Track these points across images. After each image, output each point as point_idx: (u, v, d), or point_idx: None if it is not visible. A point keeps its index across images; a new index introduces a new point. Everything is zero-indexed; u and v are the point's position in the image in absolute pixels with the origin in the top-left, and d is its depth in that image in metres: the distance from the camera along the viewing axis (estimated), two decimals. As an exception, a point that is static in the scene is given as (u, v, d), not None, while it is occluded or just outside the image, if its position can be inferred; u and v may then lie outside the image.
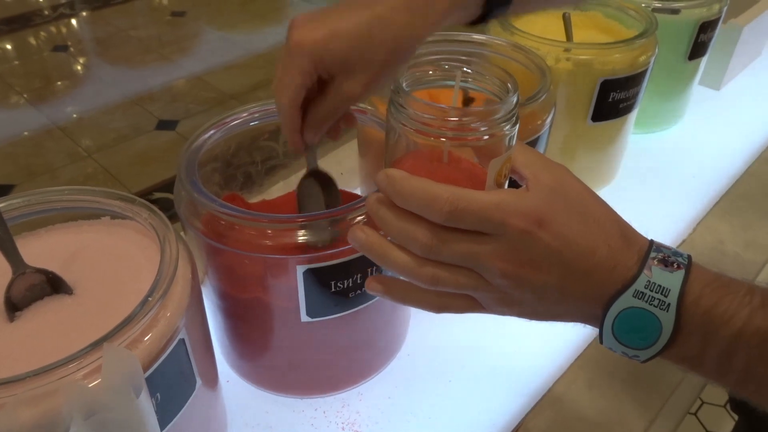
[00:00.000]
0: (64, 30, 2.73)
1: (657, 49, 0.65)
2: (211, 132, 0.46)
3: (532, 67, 0.58)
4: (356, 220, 0.41)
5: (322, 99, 0.40)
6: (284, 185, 0.59)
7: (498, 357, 0.54)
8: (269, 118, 0.49)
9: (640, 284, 0.32)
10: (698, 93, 0.88)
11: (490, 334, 0.55)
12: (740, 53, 0.90)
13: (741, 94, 0.91)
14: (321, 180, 0.46)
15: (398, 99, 0.32)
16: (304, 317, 0.43)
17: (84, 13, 2.86)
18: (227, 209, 0.40)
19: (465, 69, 0.34)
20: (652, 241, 0.34)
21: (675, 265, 0.32)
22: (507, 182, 0.35)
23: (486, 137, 0.32)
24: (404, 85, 0.33)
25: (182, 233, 0.44)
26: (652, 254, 0.33)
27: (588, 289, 0.33)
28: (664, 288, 0.32)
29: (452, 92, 0.34)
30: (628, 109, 0.66)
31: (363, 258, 0.42)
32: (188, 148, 0.44)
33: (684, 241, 0.68)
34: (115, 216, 0.42)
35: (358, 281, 0.43)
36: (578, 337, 0.56)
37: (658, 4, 0.74)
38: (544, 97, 0.54)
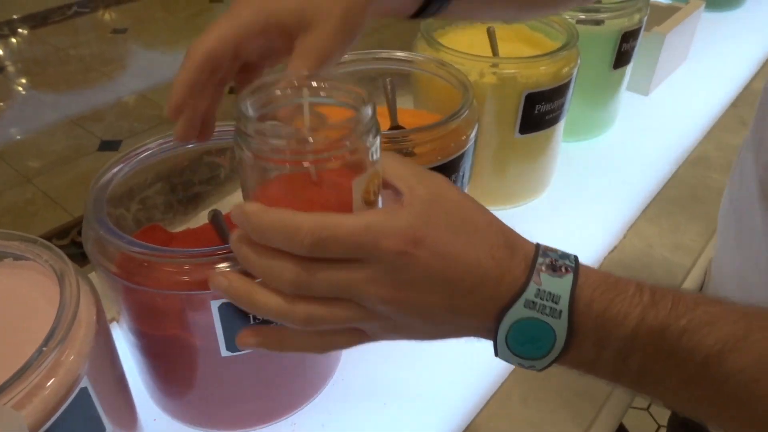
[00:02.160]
0: (0, 50, 2.64)
1: (579, 60, 0.66)
2: (120, 166, 0.44)
3: (455, 83, 0.58)
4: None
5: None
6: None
7: (433, 376, 0.53)
8: (182, 147, 0.48)
9: (530, 293, 0.31)
10: (628, 99, 0.91)
11: (425, 353, 0.55)
12: (665, 60, 0.92)
13: (669, 99, 0.94)
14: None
15: (244, 127, 0.29)
16: (224, 352, 0.42)
17: (22, 31, 2.77)
18: (135, 246, 0.38)
19: (313, 84, 0.32)
20: (538, 246, 0.33)
21: (563, 269, 0.31)
22: (380, 199, 0.33)
23: (347, 154, 0.30)
24: (249, 110, 0.30)
25: (94, 273, 0.43)
26: (539, 260, 0.32)
27: (477, 305, 0.32)
28: (554, 295, 0.31)
29: (339, 110, 0.32)
30: (554, 120, 0.67)
31: (282, 288, 0.41)
32: (95, 185, 0.42)
33: (615, 247, 0.69)
34: (18, 258, 0.40)
35: (278, 312, 0.42)
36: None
37: (582, 16, 0.76)
38: (466, 113, 0.54)
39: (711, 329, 0.30)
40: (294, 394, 0.49)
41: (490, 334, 0.32)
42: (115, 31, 2.76)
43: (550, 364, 0.33)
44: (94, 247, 0.40)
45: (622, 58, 0.78)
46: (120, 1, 2.99)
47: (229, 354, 0.42)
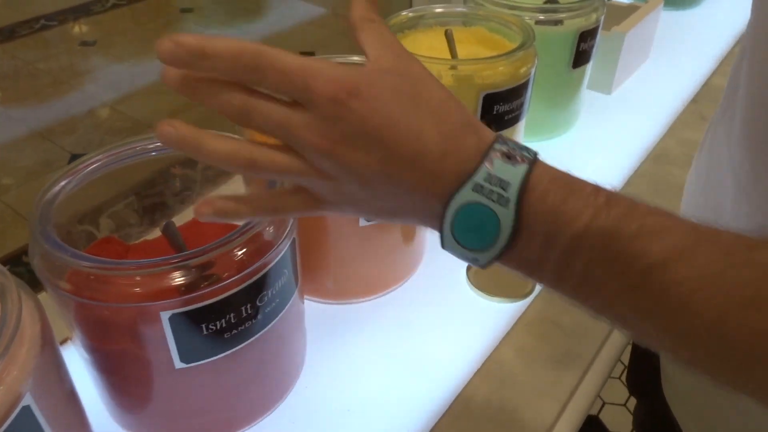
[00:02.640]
0: (-34, 66, 2.60)
1: (537, 60, 0.67)
2: (67, 180, 0.43)
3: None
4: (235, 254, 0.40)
5: None
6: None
7: (395, 382, 0.53)
8: (129, 159, 0.47)
9: (479, 177, 0.30)
10: (591, 98, 0.92)
11: (387, 359, 0.55)
12: (626, 58, 0.93)
13: (631, 97, 0.95)
14: None
15: None
16: (178, 364, 0.41)
17: (-13, 47, 2.73)
18: (81, 260, 0.38)
19: None
20: (499, 135, 0.32)
21: (519, 159, 0.30)
22: None
23: None
24: None
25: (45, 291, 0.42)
26: (496, 146, 0.31)
27: (418, 179, 0.31)
28: (503, 181, 0.30)
29: None
30: (514, 120, 0.68)
31: (236, 296, 0.41)
32: (40, 200, 0.42)
33: (579, 245, 0.69)
34: (-39, 275, 0.39)
35: (233, 320, 0.41)
36: (476, 354, 0.56)
37: (541, 17, 0.76)
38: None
39: (660, 237, 0.29)
40: (254, 405, 0.48)
41: (437, 219, 0.32)
42: (84, 44, 2.74)
43: (493, 259, 0.32)
44: (40, 262, 0.40)
45: (581, 58, 0.79)
46: (88, 13, 2.96)
47: (184, 366, 0.41)
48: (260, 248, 0.42)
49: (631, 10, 0.98)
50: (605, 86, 0.95)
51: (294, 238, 0.45)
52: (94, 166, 0.45)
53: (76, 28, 2.90)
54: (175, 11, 3.01)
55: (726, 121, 0.47)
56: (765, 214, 0.41)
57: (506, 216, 0.30)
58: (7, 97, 2.39)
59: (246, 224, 0.41)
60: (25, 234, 1.69)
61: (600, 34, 0.82)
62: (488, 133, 0.32)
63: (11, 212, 1.79)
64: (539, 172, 0.30)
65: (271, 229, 0.43)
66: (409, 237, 0.60)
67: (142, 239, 0.53)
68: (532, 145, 0.87)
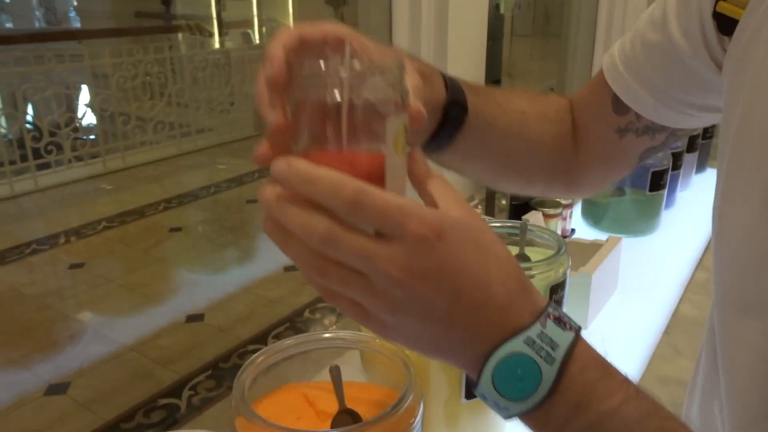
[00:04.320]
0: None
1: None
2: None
3: (396, 359, 0.61)
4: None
5: None
6: None
7: None
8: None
9: (533, 332, 0.32)
10: (568, 335, 0.95)
11: None
12: (596, 295, 0.99)
13: (605, 332, 0.99)
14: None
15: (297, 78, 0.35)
16: None
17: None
18: None
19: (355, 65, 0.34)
20: (551, 301, 0.35)
21: (568, 326, 0.33)
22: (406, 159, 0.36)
23: (378, 92, 0.34)
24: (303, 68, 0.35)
25: None
26: (549, 309, 0.34)
27: (476, 324, 0.33)
28: (554, 342, 0.32)
29: None
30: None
31: None
32: None
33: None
34: None
35: None
36: None
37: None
38: (411, 397, 0.55)
39: None
40: None
41: (477, 363, 0.33)
42: (73, 267, 2.79)
43: (522, 412, 0.33)
44: None
45: (554, 307, 0.83)
46: (80, 235, 3.07)
47: None
48: None
49: (595, 247, 1.06)
50: (581, 322, 0.99)
51: None
52: None
53: (65, 251, 2.97)
54: (164, 231, 3.14)
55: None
56: None
57: (549, 373, 0.32)
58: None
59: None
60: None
61: (569, 277, 0.88)
62: (542, 298, 0.35)
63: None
64: (582, 346, 0.33)
65: None
66: None
67: None
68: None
